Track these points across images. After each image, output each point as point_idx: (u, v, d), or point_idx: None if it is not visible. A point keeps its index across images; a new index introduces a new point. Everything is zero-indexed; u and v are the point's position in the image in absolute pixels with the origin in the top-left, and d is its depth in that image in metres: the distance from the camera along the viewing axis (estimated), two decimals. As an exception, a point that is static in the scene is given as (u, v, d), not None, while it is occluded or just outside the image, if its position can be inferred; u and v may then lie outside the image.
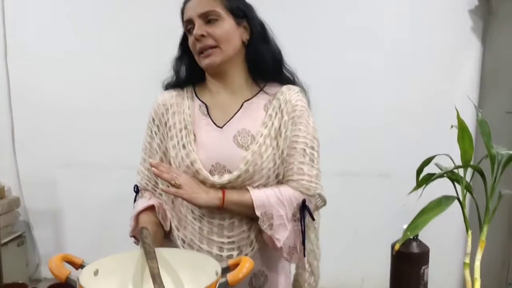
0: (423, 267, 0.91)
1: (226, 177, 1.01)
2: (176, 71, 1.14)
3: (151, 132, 1.12)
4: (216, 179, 1.01)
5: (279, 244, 1.01)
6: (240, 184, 1.02)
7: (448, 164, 0.84)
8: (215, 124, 1.07)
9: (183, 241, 1.07)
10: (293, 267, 1.15)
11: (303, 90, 1.13)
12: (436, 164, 0.88)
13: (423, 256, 0.91)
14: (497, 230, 2.05)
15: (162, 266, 0.84)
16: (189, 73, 1.13)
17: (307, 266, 1.10)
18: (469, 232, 0.81)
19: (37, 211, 2.84)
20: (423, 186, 0.81)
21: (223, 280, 0.78)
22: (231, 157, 1.02)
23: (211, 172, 1.03)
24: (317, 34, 2.48)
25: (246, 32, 1.08)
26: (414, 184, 0.83)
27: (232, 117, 1.07)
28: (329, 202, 1.11)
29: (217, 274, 0.80)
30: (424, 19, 2.45)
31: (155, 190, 1.14)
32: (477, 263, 0.79)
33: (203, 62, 1.05)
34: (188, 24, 1.05)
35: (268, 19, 1.12)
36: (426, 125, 2.42)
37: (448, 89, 2.43)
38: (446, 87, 2.45)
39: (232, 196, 1.00)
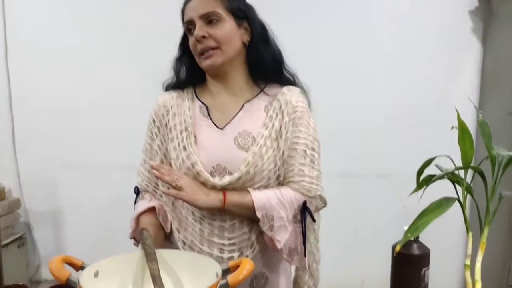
0: (423, 269, 0.90)
1: (226, 179, 1.01)
2: (176, 71, 1.14)
3: (152, 134, 1.12)
4: (216, 180, 1.01)
5: (279, 246, 1.01)
6: (240, 186, 1.01)
7: (448, 165, 0.83)
8: (215, 125, 1.07)
9: (184, 243, 1.07)
10: (293, 268, 1.14)
11: (304, 91, 1.13)
12: (437, 165, 0.87)
13: (424, 257, 0.91)
14: (497, 232, 2.05)
15: (162, 268, 0.84)
16: (190, 74, 1.13)
17: (307, 267, 1.09)
18: (470, 234, 0.80)
19: (38, 213, 2.83)
20: (424, 188, 0.81)
21: (223, 282, 0.78)
22: (231, 159, 1.02)
23: (211, 174, 1.02)
24: (317, 35, 2.48)
25: (247, 33, 1.08)
26: (415, 185, 0.82)
27: (233, 118, 1.07)
28: (329, 203, 1.10)
29: (217, 275, 0.80)
30: (424, 20, 2.45)
31: (156, 192, 1.13)
32: (478, 265, 0.79)
33: (204, 63, 1.05)
34: (189, 25, 1.05)
35: (269, 20, 1.12)
36: (426, 126, 2.41)
37: (449, 90, 2.44)
38: (446, 88, 2.45)
39: (233, 197, 1.00)
